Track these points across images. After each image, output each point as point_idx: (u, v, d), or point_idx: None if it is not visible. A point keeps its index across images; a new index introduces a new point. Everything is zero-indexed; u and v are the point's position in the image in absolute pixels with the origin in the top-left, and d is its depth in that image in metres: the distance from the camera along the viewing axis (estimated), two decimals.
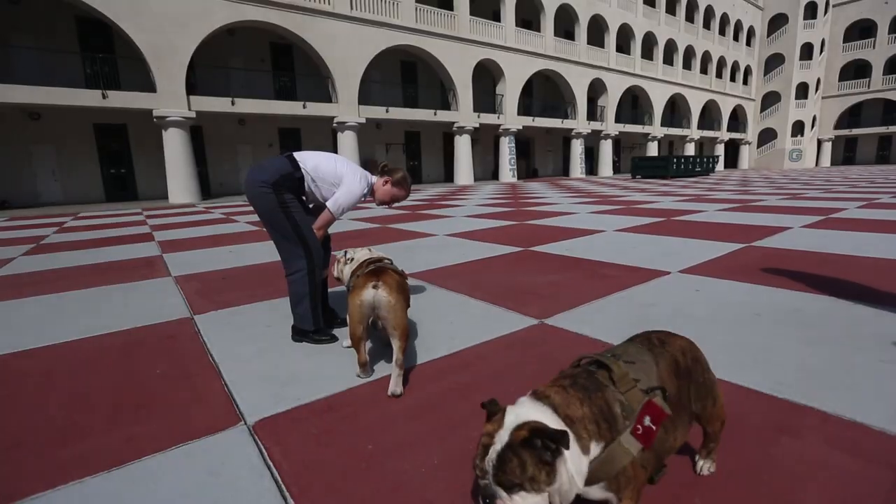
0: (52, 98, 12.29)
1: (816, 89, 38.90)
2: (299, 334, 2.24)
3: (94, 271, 4.20)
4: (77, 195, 15.23)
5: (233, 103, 14.98)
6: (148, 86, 13.84)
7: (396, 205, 2.30)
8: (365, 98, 18.54)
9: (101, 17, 12.73)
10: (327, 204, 2.21)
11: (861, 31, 38.15)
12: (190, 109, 14.02)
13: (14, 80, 12.87)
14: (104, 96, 12.85)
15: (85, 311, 2.93)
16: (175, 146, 14.01)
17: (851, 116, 39.39)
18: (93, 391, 1.82)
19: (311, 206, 2.35)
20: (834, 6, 38.64)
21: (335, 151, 16.97)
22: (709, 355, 1.88)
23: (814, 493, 1.12)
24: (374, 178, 2.35)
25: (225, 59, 16.98)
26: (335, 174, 2.21)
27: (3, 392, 1.85)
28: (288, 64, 18.65)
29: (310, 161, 2.19)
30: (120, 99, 13.12)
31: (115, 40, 14.88)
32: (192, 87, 14.94)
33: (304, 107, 16.33)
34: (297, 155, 2.19)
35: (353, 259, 2.16)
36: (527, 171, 28.03)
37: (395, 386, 1.68)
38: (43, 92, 12.17)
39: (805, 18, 37.64)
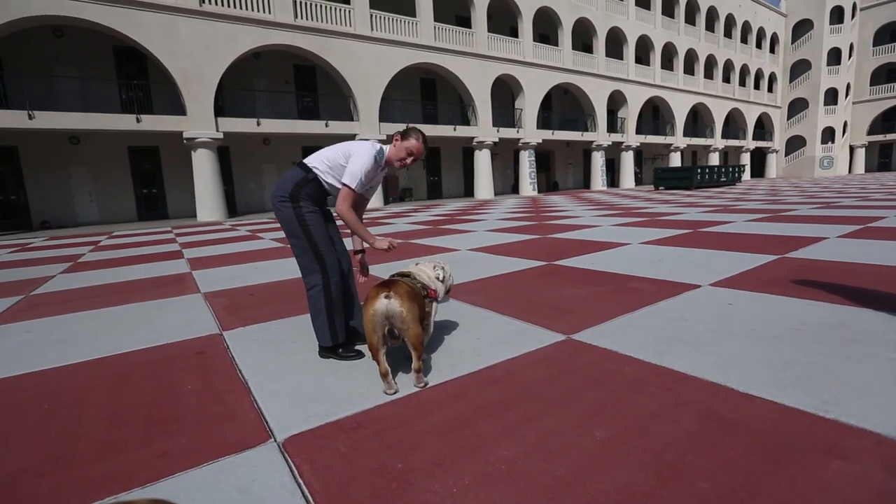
0: (91, 123, 12.92)
1: (846, 95, 37.76)
2: (326, 350, 2.25)
3: (127, 288, 4.34)
4: (112, 215, 15.86)
5: (258, 124, 15.45)
6: (178, 109, 14.42)
7: (411, 160, 2.11)
8: (385, 115, 18.87)
9: (137, 46, 13.40)
10: (342, 179, 2.12)
11: (892, 34, 37.01)
12: (218, 130, 14.52)
13: (57, 108, 13.62)
14: (138, 120, 13.44)
15: (119, 328, 3.02)
16: (203, 166, 14.50)
17: (885, 121, 38.00)
18: (127, 406, 1.86)
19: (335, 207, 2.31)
20: (862, 9, 37.67)
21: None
22: (748, 372, 1.82)
23: None
24: (388, 148, 2.25)
25: (251, 81, 17.59)
26: (345, 154, 2.15)
27: (44, 407, 1.90)
28: (311, 84, 19.18)
29: (318, 156, 2.19)
30: (153, 122, 13.71)
31: (149, 66, 15.61)
32: (220, 109, 15.49)
33: (327, 125, 16.72)
34: (307, 160, 2.21)
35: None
36: (547, 184, 27.89)
37: (417, 380, 1.86)
38: (83, 118, 12.81)
39: (831, 23, 36.79)
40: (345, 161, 2.14)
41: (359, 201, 2.24)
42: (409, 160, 2.20)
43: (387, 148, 2.24)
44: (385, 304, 1.78)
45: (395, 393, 1.82)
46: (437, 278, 2.23)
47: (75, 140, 14.99)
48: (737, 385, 1.74)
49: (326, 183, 2.19)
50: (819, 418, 1.48)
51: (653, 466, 1.28)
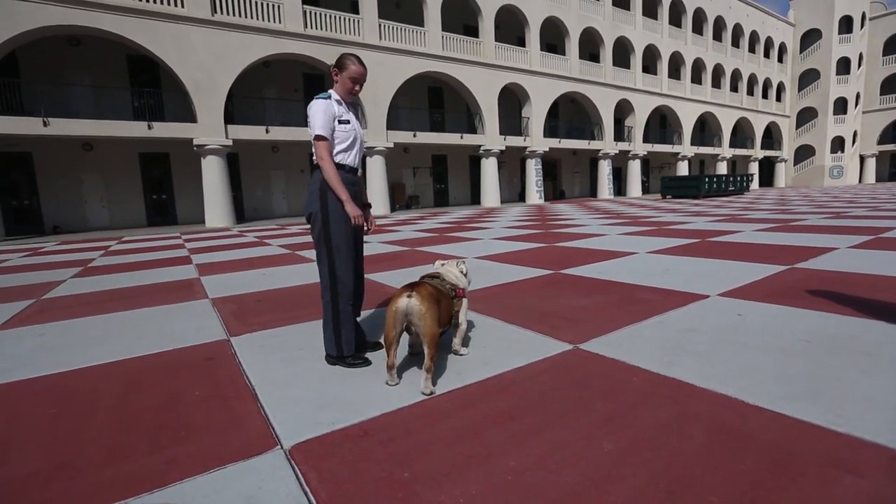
0: (103, 130, 13.15)
1: (856, 104, 37.54)
2: (333, 357, 2.26)
3: (136, 293, 4.38)
4: (122, 220, 16.06)
5: (267, 131, 15.64)
6: (189, 116, 14.64)
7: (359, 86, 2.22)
8: (393, 123, 19.01)
9: (150, 55, 13.64)
10: (313, 135, 2.20)
11: None
12: (227, 138, 14.71)
13: (70, 115, 13.87)
14: (150, 127, 13.65)
15: (129, 332, 3.05)
16: (213, 173, 14.67)
17: None
18: (135, 412, 1.87)
19: (356, 163, 2.33)
20: (871, 19, 37.56)
21: (364, 175, 17.37)
22: (758, 385, 1.80)
23: None
24: (332, 91, 2.32)
25: (261, 89, 17.82)
26: (308, 124, 2.24)
27: (53, 411, 1.92)
28: (320, 92, 19.34)
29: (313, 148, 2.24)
30: (164, 130, 13.91)
31: (161, 74, 15.88)
32: (230, 117, 15.69)
33: None
34: (314, 160, 2.27)
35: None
36: (554, 192, 27.88)
37: (424, 386, 1.87)
38: (96, 125, 13.04)
39: (840, 33, 36.70)
40: (313, 122, 2.21)
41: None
42: (357, 87, 2.31)
43: (331, 91, 2.29)
44: (406, 302, 1.91)
45: (395, 384, 1.96)
46: (462, 272, 2.38)
47: (88, 146, 15.24)
48: (747, 397, 1.72)
49: (338, 154, 2.22)
50: (831, 432, 1.46)
51: (662, 479, 1.27)
